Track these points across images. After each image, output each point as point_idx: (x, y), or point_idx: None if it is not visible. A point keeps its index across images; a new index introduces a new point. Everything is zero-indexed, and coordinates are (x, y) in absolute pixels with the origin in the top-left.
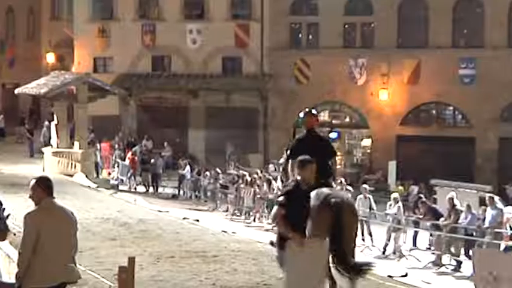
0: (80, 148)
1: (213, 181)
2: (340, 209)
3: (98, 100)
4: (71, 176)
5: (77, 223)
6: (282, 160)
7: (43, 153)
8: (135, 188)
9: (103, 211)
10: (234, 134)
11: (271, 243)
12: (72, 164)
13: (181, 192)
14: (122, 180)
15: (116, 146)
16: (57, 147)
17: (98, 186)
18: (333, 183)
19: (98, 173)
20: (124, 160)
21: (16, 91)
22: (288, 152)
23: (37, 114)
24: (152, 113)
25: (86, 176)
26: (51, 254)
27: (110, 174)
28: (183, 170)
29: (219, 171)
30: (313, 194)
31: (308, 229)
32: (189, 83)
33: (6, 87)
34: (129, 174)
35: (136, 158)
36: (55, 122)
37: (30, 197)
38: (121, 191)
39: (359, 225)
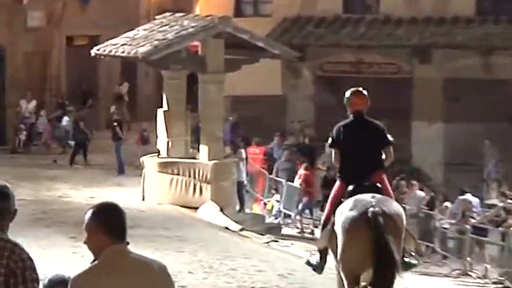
0: (209, 157)
1: (460, 219)
2: (379, 225)
3: (243, 68)
4: (194, 209)
5: (173, 286)
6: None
7: (143, 167)
8: (313, 232)
9: (252, 274)
10: (498, 132)
11: (309, 264)
12: (195, 186)
13: None
14: (289, 216)
15: (276, 153)
16: (168, 156)
17: (242, 229)
18: (385, 182)
19: (242, 204)
20: (291, 180)
21: (93, 51)
22: (330, 140)
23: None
24: (344, 92)
25: (221, 210)
26: None
27: (265, 205)
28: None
29: (472, 200)
30: (349, 201)
31: (339, 247)
32: (413, 36)
33: (74, 43)
34: (300, 206)
35: (314, 174)
36: (164, 108)
37: (85, 243)
38: (285, 237)
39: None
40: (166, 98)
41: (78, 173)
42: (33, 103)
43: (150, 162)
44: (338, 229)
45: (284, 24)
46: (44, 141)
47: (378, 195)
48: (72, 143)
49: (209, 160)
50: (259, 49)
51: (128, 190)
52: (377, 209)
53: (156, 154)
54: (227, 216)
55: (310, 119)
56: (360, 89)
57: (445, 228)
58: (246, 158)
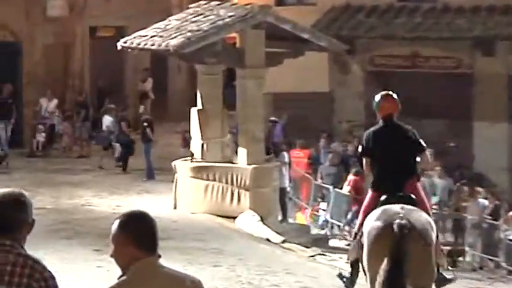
0: (248, 161)
1: None
2: (403, 236)
3: (286, 62)
4: (232, 218)
5: None
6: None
7: (175, 171)
8: None
9: None
10: None
11: (340, 277)
12: (233, 193)
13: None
14: (338, 227)
15: (323, 156)
16: (202, 159)
17: (285, 241)
18: (419, 190)
19: (285, 213)
20: (337, 185)
21: (120, 43)
22: (360, 148)
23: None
24: (397, 88)
25: (261, 219)
26: None
27: (310, 215)
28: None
29: None
30: (378, 211)
31: (364, 258)
32: (475, 26)
33: (99, 34)
34: (349, 215)
35: (364, 180)
36: (198, 106)
37: (111, 256)
38: (333, 250)
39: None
40: (201, 96)
41: (102, 178)
42: (54, 102)
43: (182, 167)
44: (364, 239)
45: (331, 14)
46: (65, 145)
47: (407, 206)
48: (116, 145)
49: (248, 164)
50: (303, 41)
51: (158, 197)
52: (404, 221)
53: (190, 157)
54: (268, 226)
55: (360, 119)
56: (390, 92)
57: (510, 240)
58: (289, 162)
